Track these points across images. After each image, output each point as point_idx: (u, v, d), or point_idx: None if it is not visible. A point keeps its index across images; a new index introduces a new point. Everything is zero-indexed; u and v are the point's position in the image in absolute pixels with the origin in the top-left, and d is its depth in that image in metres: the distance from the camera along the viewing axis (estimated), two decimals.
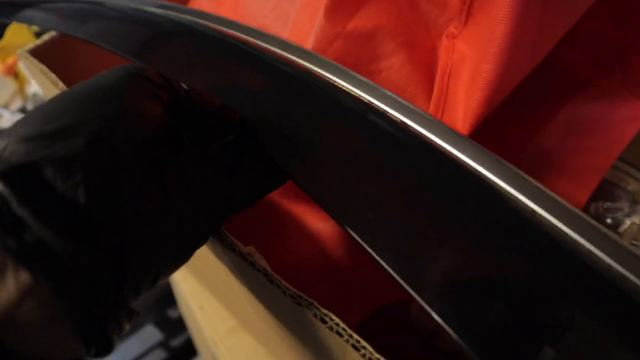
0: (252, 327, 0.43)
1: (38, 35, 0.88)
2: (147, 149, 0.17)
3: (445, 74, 0.31)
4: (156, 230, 0.17)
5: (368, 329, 0.36)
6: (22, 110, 0.77)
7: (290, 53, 0.25)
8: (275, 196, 0.35)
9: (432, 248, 0.18)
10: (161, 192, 0.18)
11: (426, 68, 0.32)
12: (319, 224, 0.34)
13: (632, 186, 0.44)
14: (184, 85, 0.21)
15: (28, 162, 0.15)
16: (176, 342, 0.88)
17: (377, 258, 0.18)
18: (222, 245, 0.23)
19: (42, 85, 0.43)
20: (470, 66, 0.30)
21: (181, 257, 0.20)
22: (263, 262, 0.22)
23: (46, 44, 0.42)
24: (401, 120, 0.21)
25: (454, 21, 0.32)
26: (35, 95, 0.78)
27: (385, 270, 0.18)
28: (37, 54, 0.41)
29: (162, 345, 0.87)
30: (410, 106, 0.21)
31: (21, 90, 0.82)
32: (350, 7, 0.30)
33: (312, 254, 0.33)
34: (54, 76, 0.36)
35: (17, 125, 0.16)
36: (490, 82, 0.27)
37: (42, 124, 0.16)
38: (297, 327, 0.24)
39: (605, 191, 0.39)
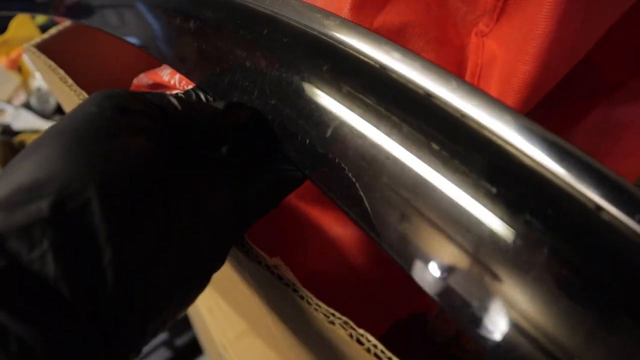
0: (264, 332, 0.41)
1: (42, 27, 0.86)
2: (132, 192, 0.15)
3: (475, 73, 0.30)
4: (154, 282, 0.15)
5: (387, 339, 0.34)
6: (26, 104, 0.75)
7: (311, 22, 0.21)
8: (291, 198, 0.34)
9: (469, 264, 0.17)
10: (160, 232, 0.16)
11: (455, 66, 0.30)
12: (339, 228, 0.33)
13: None
14: (175, 101, 0.19)
15: None
16: (180, 341, 0.87)
17: (407, 270, 0.17)
18: (247, 256, 0.21)
19: (49, 81, 0.42)
20: (503, 66, 0.28)
21: (192, 293, 0.18)
22: (290, 275, 0.21)
23: (53, 38, 0.41)
24: (447, 102, 0.17)
25: (484, 18, 0.30)
26: (39, 90, 0.76)
27: (413, 280, 0.17)
28: (44, 48, 0.40)
29: (166, 344, 0.86)
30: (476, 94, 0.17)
31: (25, 84, 0.80)
32: (377, 1, 0.28)
33: (332, 260, 0.32)
34: (62, 72, 0.34)
35: None
36: (528, 84, 0.26)
37: (6, 186, 0.14)
38: (323, 344, 0.22)
39: None
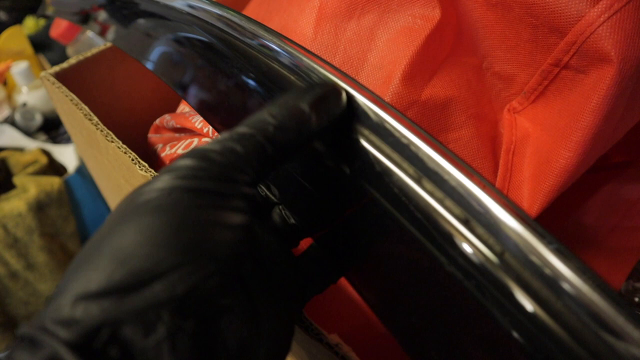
0: None
1: (31, 39, 0.83)
2: (230, 274, 0.15)
3: (510, 150, 0.31)
4: None
5: None
6: (9, 119, 0.71)
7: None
8: None
9: None
10: (252, 314, 0.16)
11: (490, 142, 0.31)
12: None
13: None
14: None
15: (104, 322, 0.12)
16: None
17: None
18: (306, 333, 0.21)
19: (64, 113, 0.40)
20: (539, 147, 0.29)
21: None
22: (353, 355, 0.20)
23: (72, 67, 0.39)
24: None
25: (519, 97, 0.31)
26: (24, 105, 0.73)
27: None
28: (62, 77, 0.38)
29: None
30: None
31: (9, 98, 0.76)
32: (425, 74, 0.29)
33: (358, 323, 0.31)
34: (86, 108, 0.33)
35: (78, 276, 0.13)
36: (568, 169, 0.27)
37: (111, 271, 0.13)
38: None
39: (638, 270, 0.39)
